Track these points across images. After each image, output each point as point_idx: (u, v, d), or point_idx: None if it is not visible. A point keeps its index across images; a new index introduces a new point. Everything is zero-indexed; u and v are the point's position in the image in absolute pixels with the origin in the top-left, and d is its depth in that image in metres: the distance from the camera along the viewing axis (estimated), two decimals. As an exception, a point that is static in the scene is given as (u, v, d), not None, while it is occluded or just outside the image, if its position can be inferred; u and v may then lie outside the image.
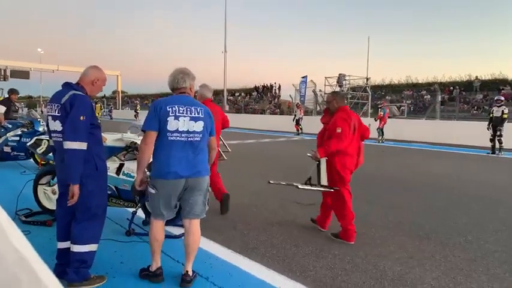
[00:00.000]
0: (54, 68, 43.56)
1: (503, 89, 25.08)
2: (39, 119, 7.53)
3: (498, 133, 11.87)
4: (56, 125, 2.66)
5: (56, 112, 2.65)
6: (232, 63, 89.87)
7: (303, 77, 25.77)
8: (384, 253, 3.55)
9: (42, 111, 35.09)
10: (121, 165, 4.00)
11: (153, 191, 2.69)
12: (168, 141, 2.62)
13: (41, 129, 7.17)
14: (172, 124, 2.61)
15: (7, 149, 7.06)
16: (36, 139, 5.16)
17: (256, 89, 42.56)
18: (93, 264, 2.77)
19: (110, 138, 4.15)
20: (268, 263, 3.26)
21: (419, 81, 33.91)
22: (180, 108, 2.65)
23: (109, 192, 3.64)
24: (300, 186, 3.93)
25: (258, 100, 39.68)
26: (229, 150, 5.25)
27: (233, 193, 4.68)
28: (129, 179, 3.90)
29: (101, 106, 30.01)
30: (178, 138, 2.63)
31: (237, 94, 44.08)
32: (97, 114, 23.69)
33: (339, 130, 3.69)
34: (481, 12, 68.63)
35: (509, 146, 12.51)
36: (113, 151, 4.11)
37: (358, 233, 3.88)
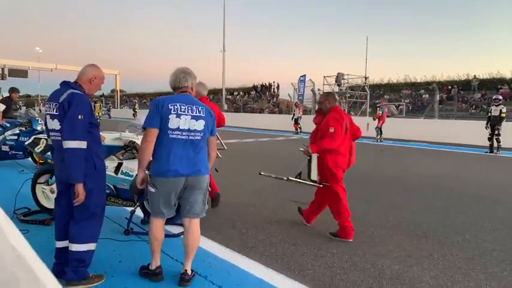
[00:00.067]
0: (52, 66, 43.44)
1: (501, 88, 25.12)
2: (37, 118, 7.52)
3: (496, 132, 11.90)
4: (54, 124, 2.65)
5: (54, 111, 2.64)
6: (232, 62, 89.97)
7: (302, 76, 25.76)
8: (382, 252, 3.56)
9: (40, 110, 35.03)
10: (119, 164, 4.00)
11: (152, 189, 2.69)
12: (169, 139, 2.62)
13: (39, 128, 7.16)
14: (173, 122, 2.61)
15: (5, 148, 7.05)
16: (35, 138, 5.15)
17: (254, 88, 42.52)
18: (91, 263, 2.76)
19: (108, 137, 4.15)
20: (267, 261, 3.26)
21: (418, 81, 33.95)
22: (182, 107, 2.66)
23: (107, 191, 3.64)
24: (290, 178, 4.01)
25: (257, 99, 39.66)
26: (225, 147, 5.24)
27: (232, 192, 4.70)
28: (127, 178, 3.90)
29: (100, 105, 29.92)
30: (179, 136, 2.63)
31: (235, 93, 44.04)
32: (97, 114, 23.71)
33: (331, 130, 3.76)
34: (479, 12, 68.74)
35: (507, 145, 12.54)
36: (112, 150, 4.10)
37: (357, 231, 3.90)
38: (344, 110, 24.42)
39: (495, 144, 11.96)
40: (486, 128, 12.14)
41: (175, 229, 3.83)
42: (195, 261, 2.88)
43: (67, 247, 2.70)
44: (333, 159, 3.85)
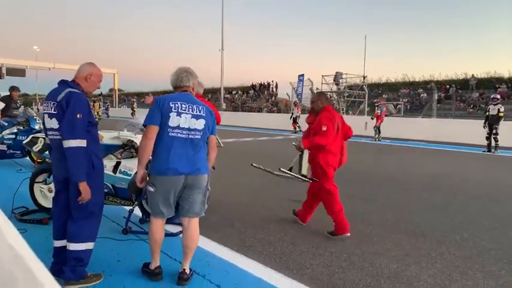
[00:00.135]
0: (50, 65, 43.35)
1: (499, 88, 25.18)
2: (35, 117, 7.51)
3: (494, 131, 11.93)
4: (52, 123, 2.65)
5: (52, 110, 2.64)
6: (232, 62, 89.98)
7: (300, 75, 25.76)
8: (380, 251, 3.57)
9: (38, 109, 34.91)
10: (118, 164, 3.99)
11: (152, 189, 2.69)
12: (169, 137, 2.62)
13: (37, 127, 7.15)
14: (174, 120, 2.61)
15: (3, 147, 7.04)
16: (32, 137, 5.13)
17: (253, 87, 42.50)
18: (89, 262, 2.76)
19: (106, 136, 4.14)
20: (265, 260, 3.26)
21: (416, 80, 34.03)
22: (183, 105, 2.66)
23: (106, 190, 3.63)
24: (281, 168, 4.08)
25: (255, 98, 39.65)
26: (222, 145, 5.24)
27: (231, 191, 4.70)
28: (125, 177, 3.89)
29: (99, 105, 29.83)
30: (179, 134, 2.63)
31: (234, 92, 44.01)
32: (96, 113, 23.67)
33: (324, 128, 3.87)
34: (477, 11, 68.88)
35: (505, 144, 12.58)
36: (110, 149, 4.10)
37: (355, 230, 3.91)
38: (342, 109, 24.55)
39: (493, 143, 11.99)
40: (484, 127, 12.18)
41: (174, 228, 3.83)
42: (194, 260, 2.88)
43: (65, 246, 2.70)
44: (324, 158, 3.95)
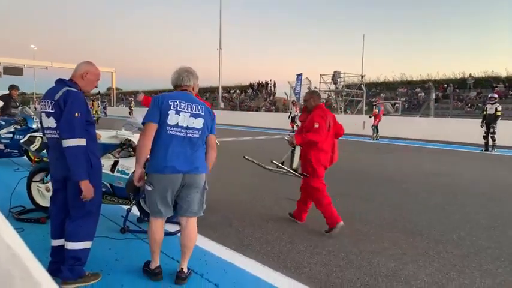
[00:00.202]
0: (47, 64, 43.22)
1: (496, 87, 25.27)
2: (32, 116, 7.48)
3: (491, 130, 11.97)
4: (50, 122, 2.64)
5: (50, 109, 2.63)
6: (231, 62, 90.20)
7: (298, 75, 25.77)
8: (378, 249, 3.58)
9: (35, 108, 34.79)
10: (115, 163, 3.98)
11: (149, 188, 2.68)
12: (167, 135, 2.61)
13: (34, 126, 7.13)
14: (172, 118, 2.61)
15: (0, 146, 7.01)
16: (30, 136, 5.11)
17: (251, 86, 42.45)
18: (87, 261, 2.76)
19: (104, 136, 4.13)
20: (263, 259, 3.27)
21: (414, 79, 34.07)
22: (182, 104, 2.65)
23: (103, 189, 3.63)
24: (273, 161, 4.15)
25: (253, 97, 39.62)
26: (218, 143, 5.25)
27: (229, 190, 4.70)
28: (123, 176, 3.89)
29: (98, 104, 29.71)
30: (177, 133, 2.62)
31: (232, 91, 43.96)
32: (95, 112, 23.59)
33: (316, 125, 3.94)
34: (476, 11, 69.04)
35: (502, 144, 12.62)
36: (108, 148, 4.09)
37: (353, 229, 3.92)
38: (340, 108, 24.57)
39: (490, 142, 12.03)
40: (481, 126, 12.21)
41: (172, 227, 3.82)
42: (192, 259, 2.88)
43: (63, 245, 2.69)
44: (316, 156, 4.02)
